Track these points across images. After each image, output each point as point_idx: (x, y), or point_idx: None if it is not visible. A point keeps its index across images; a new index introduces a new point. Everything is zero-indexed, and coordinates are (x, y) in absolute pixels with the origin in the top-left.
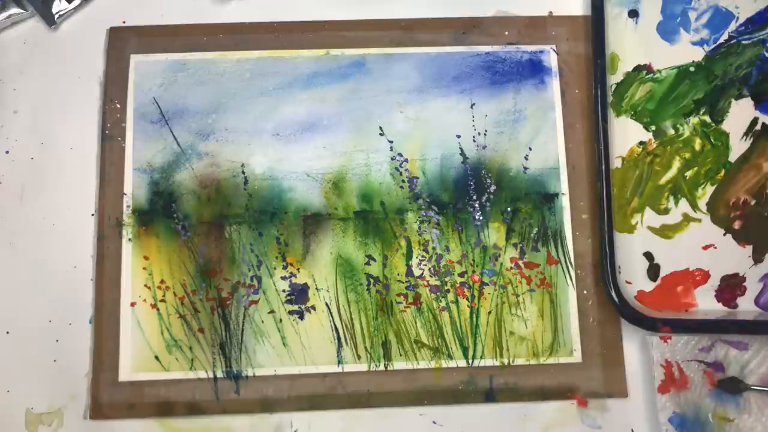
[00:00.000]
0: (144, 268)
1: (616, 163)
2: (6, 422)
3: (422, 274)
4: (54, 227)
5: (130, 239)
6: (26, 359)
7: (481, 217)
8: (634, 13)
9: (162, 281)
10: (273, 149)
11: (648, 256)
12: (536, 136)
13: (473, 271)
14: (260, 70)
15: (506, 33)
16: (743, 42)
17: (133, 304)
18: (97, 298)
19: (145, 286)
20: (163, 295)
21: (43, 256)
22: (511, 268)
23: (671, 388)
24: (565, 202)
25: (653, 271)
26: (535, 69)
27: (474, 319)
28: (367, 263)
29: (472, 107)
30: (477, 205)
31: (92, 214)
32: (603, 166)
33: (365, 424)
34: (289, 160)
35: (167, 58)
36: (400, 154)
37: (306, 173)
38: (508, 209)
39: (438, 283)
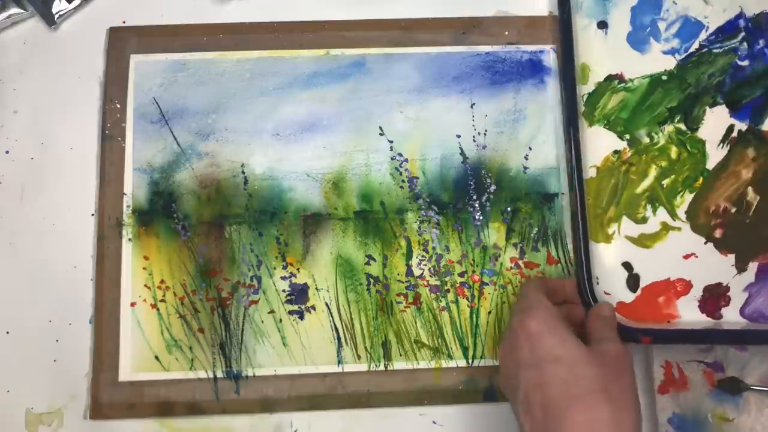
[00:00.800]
0: (144, 268)
1: (591, 172)
2: (6, 422)
3: (422, 274)
4: (54, 227)
5: (130, 239)
6: (26, 359)
7: (481, 217)
8: (603, 24)
9: (162, 281)
10: (273, 149)
11: (627, 266)
12: (536, 136)
13: (473, 271)
14: (260, 70)
15: (506, 33)
16: (714, 51)
17: (133, 304)
18: (97, 298)
19: (145, 286)
20: (163, 295)
21: (43, 256)
22: (511, 268)
23: (671, 389)
24: (565, 202)
25: (633, 281)
26: (535, 69)
27: (474, 319)
28: (367, 263)
29: (472, 107)
30: (477, 205)
31: (92, 214)
32: (576, 176)
33: (365, 424)
34: (289, 160)
35: (167, 58)
36: (400, 154)
37: (306, 173)
38: (508, 209)
39: (438, 283)
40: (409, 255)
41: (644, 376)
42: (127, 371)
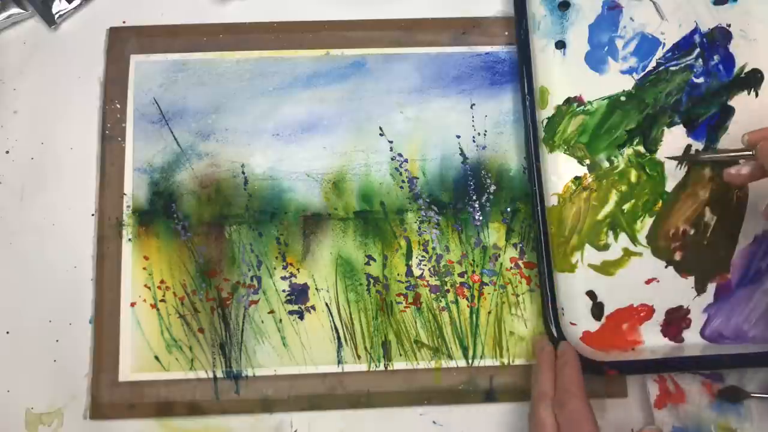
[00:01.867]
0: (144, 268)
1: (552, 200)
2: (6, 422)
3: (422, 274)
4: (54, 227)
5: (130, 239)
6: (26, 359)
7: (480, 217)
8: (561, 44)
9: (162, 281)
10: (273, 149)
11: (591, 294)
12: None
13: (473, 271)
14: (260, 70)
15: (506, 33)
16: (671, 68)
17: (133, 304)
18: (97, 298)
19: (145, 286)
20: (163, 295)
21: (43, 256)
22: (511, 268)
23: (668, 402)
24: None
25: (597, 310)
26: None
27: (474, 319)
28: (367, 263)
29: (472, 107)
30: (477, 205)
31: (92, 214)
32: (539, 206)
33: (365, 424)
34: (289, 160)
35: (167, 58)
36: (400, 155)
37: (306, 173)
38: (508, 209)
39: (438, 283)
40: (409, 255)
41: (640, 391)
42: (127, 371)
